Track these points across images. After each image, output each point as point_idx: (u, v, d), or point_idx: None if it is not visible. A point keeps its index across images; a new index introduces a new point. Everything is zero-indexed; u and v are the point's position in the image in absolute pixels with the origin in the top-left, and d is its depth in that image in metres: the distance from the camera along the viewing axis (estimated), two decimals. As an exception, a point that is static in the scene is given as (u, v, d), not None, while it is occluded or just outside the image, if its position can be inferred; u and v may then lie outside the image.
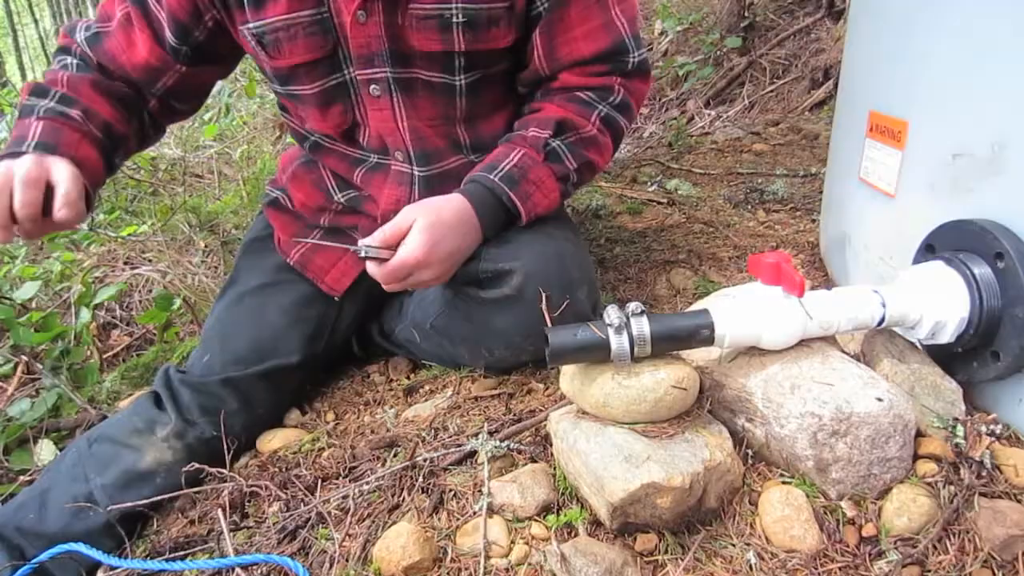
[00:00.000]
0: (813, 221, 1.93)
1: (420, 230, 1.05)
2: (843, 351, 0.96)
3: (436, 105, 1.21)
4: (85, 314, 1.83)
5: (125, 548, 1.14)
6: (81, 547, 1.05)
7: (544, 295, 1.09)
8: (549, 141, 1.16)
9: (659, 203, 2.10)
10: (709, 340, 0.91)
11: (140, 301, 2.34)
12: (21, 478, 1.48)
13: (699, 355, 1.00)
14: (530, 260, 1.14)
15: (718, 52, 4.52)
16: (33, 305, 1.96)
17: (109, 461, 1.20)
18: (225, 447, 1.21)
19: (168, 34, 1.21)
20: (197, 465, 1.17)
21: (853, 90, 1.43)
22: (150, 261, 2.28)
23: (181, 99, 1.33)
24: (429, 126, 1.23)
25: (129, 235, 2.32)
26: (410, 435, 1.15)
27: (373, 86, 1.19)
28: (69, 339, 1.85)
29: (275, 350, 1.30)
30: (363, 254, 1.06)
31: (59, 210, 1.04)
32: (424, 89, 1.19)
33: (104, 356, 2.06)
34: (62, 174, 1.05)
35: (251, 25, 1.15)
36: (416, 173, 1.26)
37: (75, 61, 1.24)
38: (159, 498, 1.18)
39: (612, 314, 0.88)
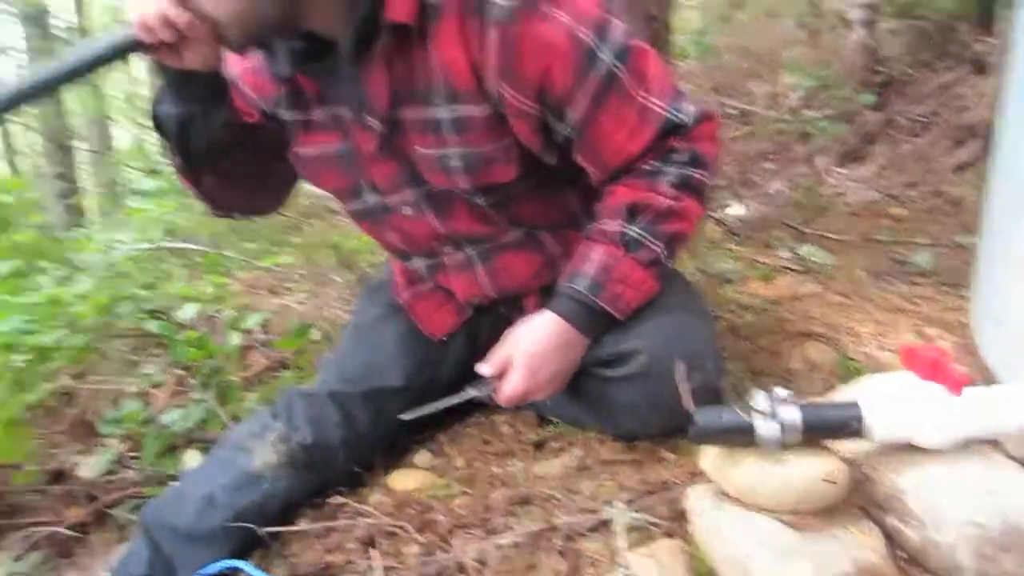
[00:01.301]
0: (962, 297, 1.85)
1: (518, 364, 1.16)
2: (1009, 455, 0.92)
3: (470, 207, 1.26)
4: (235, 337, 1.96)
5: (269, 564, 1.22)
6: (244, 565, 1.13)
7: (672, 371, 1.11)
8: (625, 231, 1.15)
9: (792, 270, 2.07)
10: (858, 433, 0.90)
11: (278, 326, 2.48)
12: (171, 483, 1.59)
13: (848, 445, 0.99)
14: (652, 338, 1.17)
15: (850, 108, 4.40)
16: (189, 324, 2.12)
17: (230, 463, 1.30)
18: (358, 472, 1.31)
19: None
20: (341, 499, 1.25)
21: (1011, 159, 1.38)
22: (290, 291, 2.42)
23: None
24: (469, 223, 1.29)
25: (273, 265, 2.47)
26: (543, 494, 1.18)
27: (405, 208, 1.28)
28: (218, 358, 1.99)
29: (381, 373, 1.39)
30: (469, 398, 1.22)
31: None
32: (456, 199, 1.25)
33: (243, 375, 2.20)
34: None
35: (296, 151, 1.29)
36: (471, 253, 1.34)
37: None
38: (277, 530, 1.25)
39: (760, 400, 0.89)
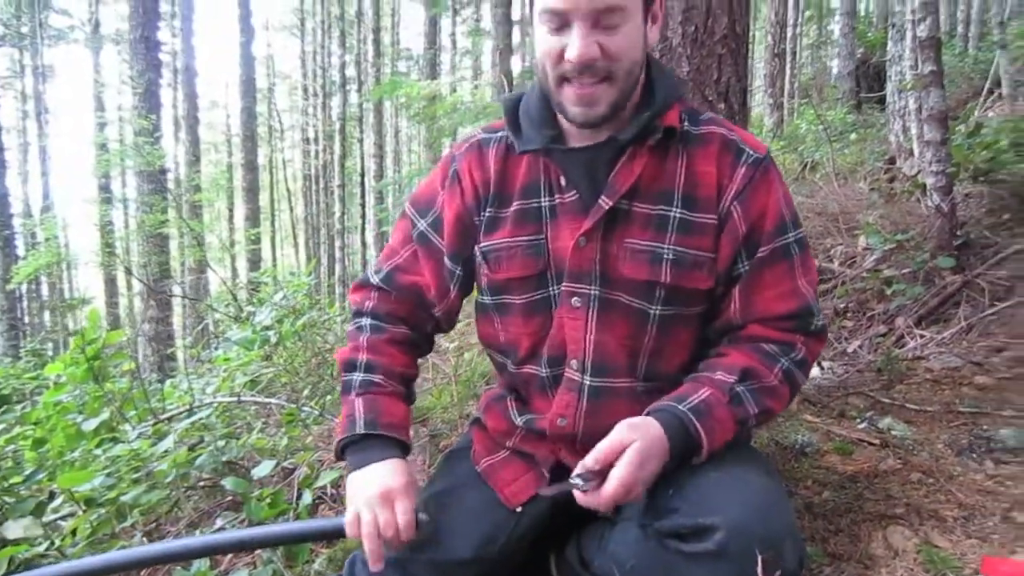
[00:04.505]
0: (1053, 479, 1.75)
1: (636, 452, 1.16)
2: None
3: (628, 327, 1.33)
4: (307, 496, 1.99)
5: None
6: None
7: (748, 551, 1.10)
8: (734, 386, 1.24)
9: (871, 444, 2.00)
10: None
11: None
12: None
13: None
14: (731, 514, 1.15)
15: (928, 270, 4.36)
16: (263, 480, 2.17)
17: None
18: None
19: (446, 260, 1.44)
20: None
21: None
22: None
23: (448, 322, 1.55)
24: (615, 343, 1.34)
25: (348, 418, 2.54)
26: None
27: (575, 298, 1.34)
28: (289, 516, 2.02)
29: (449, 544, 1.38)
30: (579, 488, 1.17)
31: (404, 530, 1.26)
32: (621, 312, 1.32)
33: (312, 531, 2.22)
34: (400, 491, 1.28)
35: (482, 245, 1.40)
36: (586, 382, 1.36)
37: (368, 322, 1.49)
38: None
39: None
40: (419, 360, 1.55)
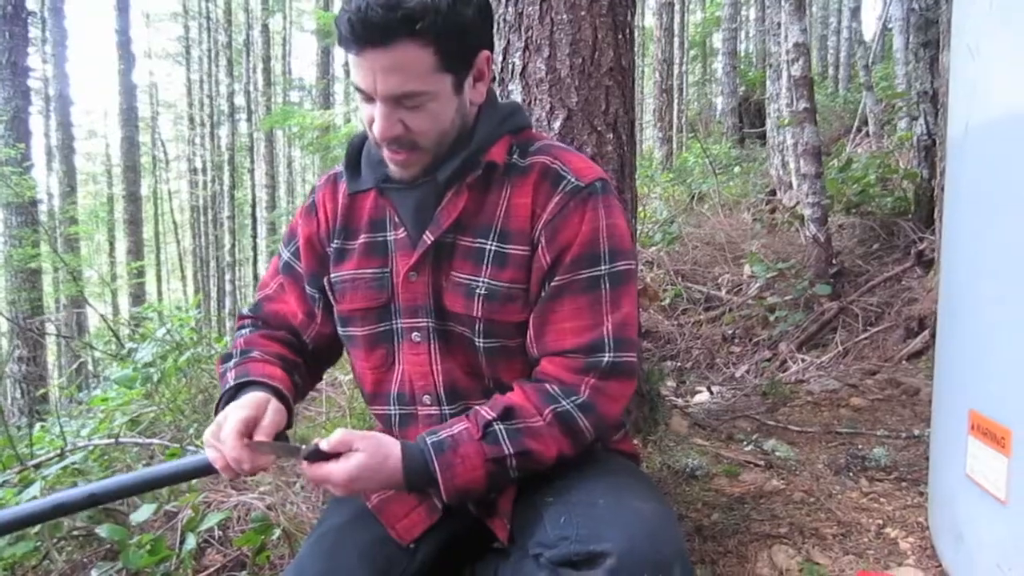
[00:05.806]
0: (920, 494, 1.87)
1: (357, 465, 1.16)
2: None
3: (467, 355, 1.35)
4: (191, 540, 1.89)
5: None
6: None
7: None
8: (492, 423, 1.22)
9: (757, 465, 2.08)
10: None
11: (238, 519, 2.40)
12: None
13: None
14: (621, 540, 1.16)
15: (808, 296, 4.61)
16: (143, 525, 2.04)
17: None
18: None
19: (307, 285, 1.44)
20: None
21: (950, 382, 1.43)
22: (253, 484, 2.37)
23: (327, 351, 1.52)
24: (460, 370, 1.36)
25: (237, 457, 2.43)
26: None
27: (415, 333, 1.35)
28: (171, 562, 1.91)
29: None
30: (303, 454, 1.18)
31: (257, 434, 1.20)
32: (458, 341, 1.34)
33: (198, 576, 2.10)
34: (262, 408, 1.23)
35: (331, 276, 1.40)
36: (446, 412, 1.36)
37: (248, 329, 1.49)
38: None
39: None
40: (307, 373, 1.50)
